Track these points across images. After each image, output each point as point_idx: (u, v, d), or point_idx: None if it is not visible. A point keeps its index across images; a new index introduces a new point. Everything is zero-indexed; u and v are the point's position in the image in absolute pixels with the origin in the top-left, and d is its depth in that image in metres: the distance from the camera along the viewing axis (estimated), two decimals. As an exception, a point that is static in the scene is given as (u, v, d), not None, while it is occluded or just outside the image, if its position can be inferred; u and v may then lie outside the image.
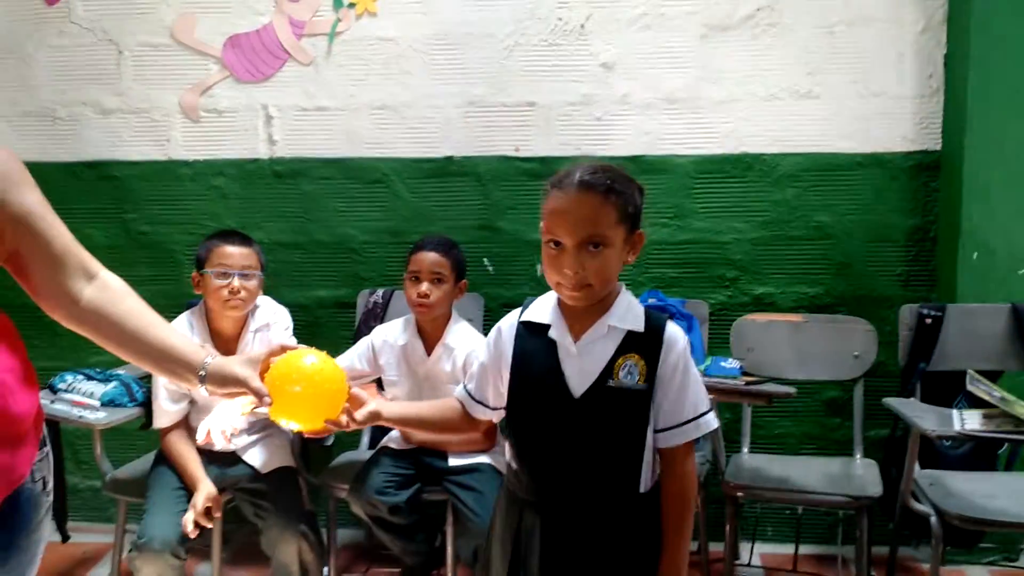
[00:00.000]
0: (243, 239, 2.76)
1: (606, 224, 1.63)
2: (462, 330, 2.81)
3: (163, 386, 2.71)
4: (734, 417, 3.27)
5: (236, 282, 2.67)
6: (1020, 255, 3.08)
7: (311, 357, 1.71)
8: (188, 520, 2.55)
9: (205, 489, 2.60)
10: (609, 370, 1.69)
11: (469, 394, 1.89)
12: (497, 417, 1.87)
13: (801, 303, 3.32)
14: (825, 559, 3.31)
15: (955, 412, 2.55)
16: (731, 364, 2.76)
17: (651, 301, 3.16)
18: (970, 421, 2.46)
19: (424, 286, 2.70)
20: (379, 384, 2.86)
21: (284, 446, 2.85)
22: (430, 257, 2.73)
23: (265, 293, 2.87)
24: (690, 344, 3.01)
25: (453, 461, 2.73)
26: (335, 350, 2.90)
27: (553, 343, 1.73)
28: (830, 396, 3.34)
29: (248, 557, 3.16)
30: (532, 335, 1.77)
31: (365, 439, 3.17)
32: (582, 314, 1.71)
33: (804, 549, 3.33)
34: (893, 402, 2.78)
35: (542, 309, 1.78)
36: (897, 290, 3.28)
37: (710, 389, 2.63)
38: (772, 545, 3.41)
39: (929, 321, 2.97)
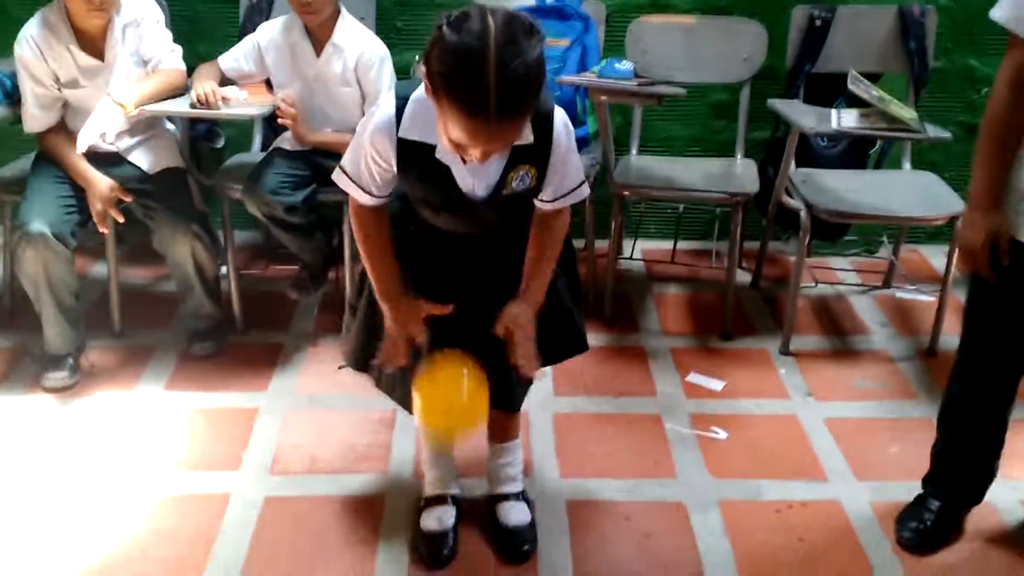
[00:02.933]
0: None
1: None
2: (350, 27, 2.70)
3: (30, 91, 2.57)
4: (625, 120, 3.33)
5: None
6: (915, -43, 3.10)
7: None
8: (97, 216, 2.57)
9: (102, 183, 2.56)
10: (502, 182, 1.68)
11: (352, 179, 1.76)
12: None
13: (696, 5, 3.29)
14: (701, 253, 3.55)
15: (833, 112, 2.66)
16: (625, 66, 2.77)
17: (550, 0, 3.08)
18: (847, 119, 2.58)
19: None
20: (268, 84, 2.78)
21: (171, 147, 2.80)
22: None
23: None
24: (585, 47, 3.02)
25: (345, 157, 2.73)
26: (218, 48, 2.81)
27: (440, 160, 1.66)
28: (718, 99, 3.41)
29: (144, 256, 3.19)
30: (415, 152, 1.64)
31: (257, 140, 3.12)
32: None
33: (682, 244, 3.55)
34: (776, 103, 2.87)
35: (422, 124, 1.61)
36: (792, -8, 3.28)
37: (604, 91, 2.70)
38: (654, 241, 3.62)
39: (819, 23, 3.00)
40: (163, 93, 2.63)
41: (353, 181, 1.73)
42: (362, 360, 1.97)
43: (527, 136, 1.60)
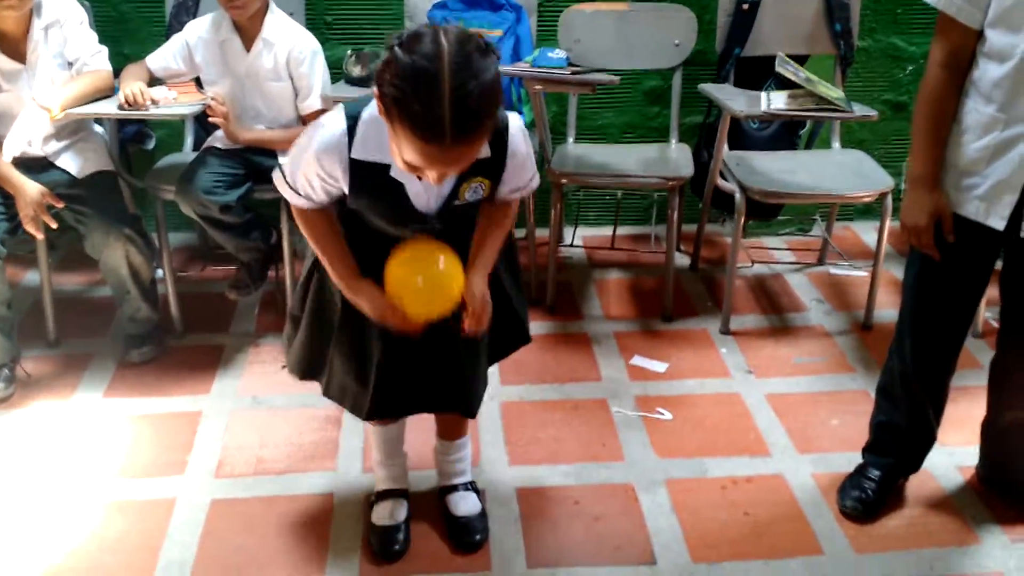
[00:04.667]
0: None
1: None
2: (280, 22, 2.67)
3: None
4: (560, 109, 3.35)
5: None
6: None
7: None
8: (32, 223, 2.50)
9: (31, 188, 2.49)
10: (455, 194, 1.65)
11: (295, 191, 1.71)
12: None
13: (628, -8, 3.32)
14: (640, 238, 3.58)
15: (763, 94, 2.71)
16: (558, 55, 2.79)
17: (481, -9, 3.09)
18: (776, 101, 2.62)
19: None
20: (198, 83, 2.74)
21: (100, 149, 2.74)
22: None
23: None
24: (518, 37, 3.03)
25: (283, 160, 2.70)
26: (145, 48, 2.77)
27: (394, 178, 1.62)
28: (651, 85, 3.45)
29: (76, 262, 3.13)
30: (368, 172, 1.61)
31: (189, 139, 3.07)
32: None
33: (621, 230, 3.58)
34: (708, 87, 2.91)
35: (376, 144, 1.58)
36: (719, -23, 3.32)
37: (538, 80, 2.71)
38: (593, 228, 3.64)
39: (746, 7, 3.04)
40: (90, 95, 2.57)
41: (291, 186, 1.69)
42: (309, 369, 1.94)
43: (483, 150, 1.59)
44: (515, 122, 1.65)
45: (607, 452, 2.38)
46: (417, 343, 1.77)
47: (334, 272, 1.75)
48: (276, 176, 1.73)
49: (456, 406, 1.94)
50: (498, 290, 1.84)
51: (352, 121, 1.59)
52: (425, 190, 1.64)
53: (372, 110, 1.55)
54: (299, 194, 1.69)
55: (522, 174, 1.72)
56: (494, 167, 1.65)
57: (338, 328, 1.83)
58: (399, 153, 1.47)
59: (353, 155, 1.59)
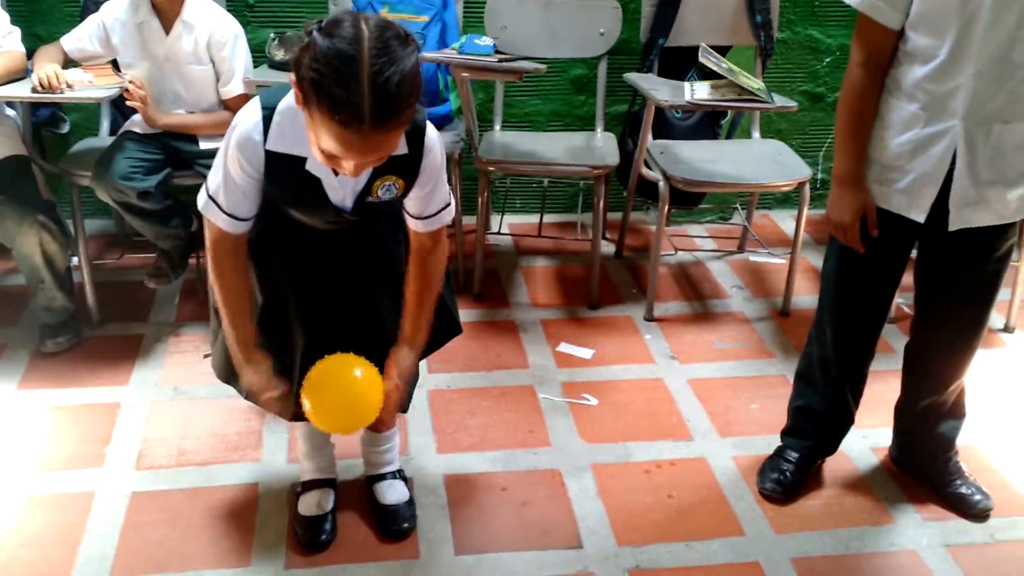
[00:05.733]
0: None
1: None
2: (201, 4, 2.61)
3: None
4: (487, 97, 3.35)
5: None
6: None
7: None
8: None
9: None
10: (367, 190, 1.64)
11: (219, 207, 1.66)
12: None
13: (552, -20, 3.33)
14: (566, 226, 3.61)
15: (687, 84, 2.75)
16: (485, 42, 2.78)
17: (404, -23, 3.06)
18: (699, 91, 2.67)
19: None
20: (115, 65, 2.66)
21: (12, 134, 2.65)
22: None
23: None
24: (444, 24, 3.02)
25: (204, 144, 2.66)
26: (59, 30, 2.69)
27: (311, 172, 1.61)
28: (577, 74, 3.47)
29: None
30: (284, 164, 1.59)
31: (105, 124, 2.98)
32: None
33: (548, 218, 3.60)
34: (633, 77, 2.94)
35: (291, 136, 1.56)
36: (643, -33, 3.35)
37: (465, 67, 2.70)
38: (520, 216, 3.66)
39: (669, -3, 3.08)
40: (1, 78, 2.48)
41: (217, 205, 1.65)
42: (229, 372, 1.91)
43: (400, 147, 1.58)
44: (432, 130, 1.65)
45: (534, 438, 2.40)
46: (344, 338, 1.76)
47: (229, 324, 1.74)
48: (200, 197, 1.68)
49: None
50: None
51: (268, 112, 1.57)
52: (341, 184, 1.63)
53: (289, 100, 1.54)
54: (224, 211, 1.64)
55: (433, 190, 1.70)
56: (409, 166, 1.64)
57: (259, 320, 1.80)
58: (316, 142, 1.44)
59: (268, 146, 1.57)
